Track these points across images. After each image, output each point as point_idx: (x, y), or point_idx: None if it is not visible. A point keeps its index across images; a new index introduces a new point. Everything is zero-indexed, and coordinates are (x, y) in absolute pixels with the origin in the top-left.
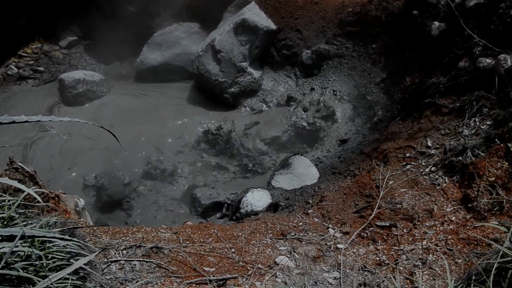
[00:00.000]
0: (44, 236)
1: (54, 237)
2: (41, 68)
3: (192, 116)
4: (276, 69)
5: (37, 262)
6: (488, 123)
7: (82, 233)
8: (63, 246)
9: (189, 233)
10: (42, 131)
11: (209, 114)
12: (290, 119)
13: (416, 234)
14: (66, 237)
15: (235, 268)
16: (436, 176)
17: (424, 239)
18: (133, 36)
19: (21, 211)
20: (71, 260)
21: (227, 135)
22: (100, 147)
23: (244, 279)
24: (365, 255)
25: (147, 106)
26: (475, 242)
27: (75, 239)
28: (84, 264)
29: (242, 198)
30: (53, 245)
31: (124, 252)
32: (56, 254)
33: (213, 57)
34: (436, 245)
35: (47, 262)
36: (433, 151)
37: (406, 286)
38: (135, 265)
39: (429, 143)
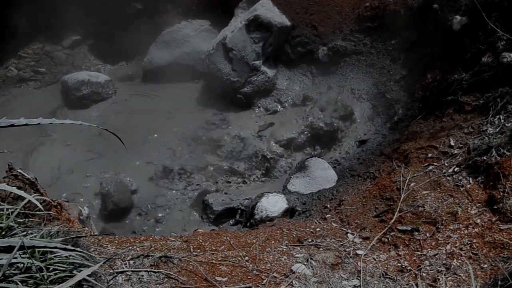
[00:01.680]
0: (45, 247)
1: (55, 247)
2: (43, 69)
3: (203, 117)
4: (291, 67)
5: (37, 274)
6: None
7: (86, 243)
8: (66, 256)
9: (200, 241)
10: (44, 136)
11: (221, 116)
12: (307, 120)
13: (440, 238)
14: (69, 247)
15: (249, 277)
16: (460, 177)
17: (448, 243)
18: (140, 35)
19: (21, 220)
20: (74, 272)
21: (240, 138)
22: (106, 152)
23: None
24: (386, 261)
25: (155, 108)
26: (502, 246)
27: (78, 249)
28: (88, 276)
29: (256, 204)
30: (55, 256)
31: (131, 262)
32: (58, 266)
33: (225, 55)
34: (461, 249)
35: (48, 274)
36: (456, 151)
37: None
38: (142, 276)
39: (452, 143)
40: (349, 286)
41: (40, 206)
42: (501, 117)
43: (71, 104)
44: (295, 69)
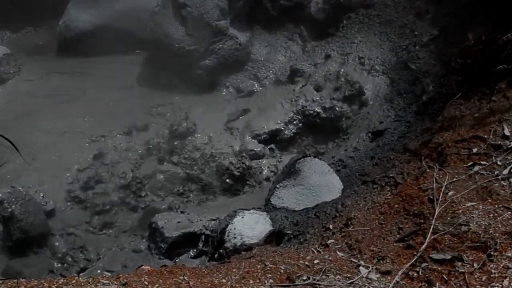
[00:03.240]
0: None
1: None
2: None
3: (146, 104)
4: (272, 29)
5: None
6: None
7: None
8: None
9: (146, 283)
10: None
11: (173, 101)
12: (296, 104)
13: (493, 270)
14: None
15: None
16: None
17: (505, 277)
18: None
19: None
20: None
21: (202, 132)
22: (8, 158)
23: None
24: None
25: (78, 92)
26: None
27: None
28: None
29: (227, 226)
30: None
31: None
32: None
33: (175, 14)
34: None
35: None
36: None
37: None
38: None
39: (507, 131)
40: None
41: None
42: None
43: None
44: (278, 32)
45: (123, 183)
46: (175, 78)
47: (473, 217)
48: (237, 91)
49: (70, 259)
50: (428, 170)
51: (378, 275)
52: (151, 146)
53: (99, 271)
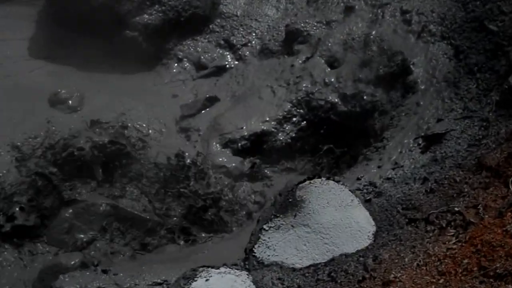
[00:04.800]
0: None
1: None
2: None
3: (46, 90)
4: None
5: None
6: None
7: None
8: None
9: None
10: None
11: (85, 84)
12: (297, 89)
13: None
14: None
15: None
16: None
17: None
18: None
19: None
20: None
21: (136, 135)
22: None
23: None
24: None
25: None
26: None
27: None
28: None
29: None
30: None
31: None
32: None
33: None
34: None
35: None
36: None
37: None
38: None
39: None
40: None
41: None
42: None
43: None
44: None
45: (9, 221)
46: (91, 46)
47: None
48: (196, 66)
49: None
50: None
51: None
52: (51, 158)
53: None
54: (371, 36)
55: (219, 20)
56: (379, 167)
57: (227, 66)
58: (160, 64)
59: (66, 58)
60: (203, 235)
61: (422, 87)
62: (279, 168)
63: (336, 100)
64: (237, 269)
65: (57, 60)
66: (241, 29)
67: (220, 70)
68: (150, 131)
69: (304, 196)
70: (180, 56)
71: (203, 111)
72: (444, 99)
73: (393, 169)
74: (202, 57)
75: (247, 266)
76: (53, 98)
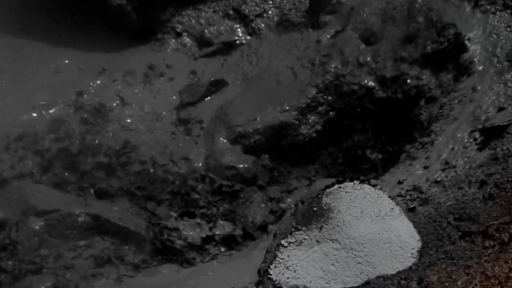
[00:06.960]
0: None
1: None
2: None
3: (45, 62)
4: None
5: None
6: None
7: None
8: None
9: None
10: None
11: (87, 56)
12: (324, 70)
13: None
14: None
15: None
16: None
17: None
18: None
19: None
20: None
21: (124, 125)
22: None
23: None
24: None
25: None
26: None
27: None
28: None
29: None
30: None
31: None
32: None
33: None
34: None
35: None
36: None
37: None
38: None
39: None
40: None
41: None
42: None
43: None
44: None
45: None
46: (87, 18)
47: None
48: (199, 43)
49: None
50: None
51: None
52: (34, 153)
53: None
54: (417, 4)
55: None
56: (425, 167)
57: (237, 42)
58: (153, 40)
59: (50, 35)
60: (204, 252)
61: (480, 68)
62: (299, 170)
63: (373, 84)
64: None
65: (57, 35)
66: None
67: (229, 47)
68: (146, 119)
69: (332, 204)
70: (178, 30)
71: (206, 98)
72: (506, 83)
73: (443, 170)
74: (206, 30)
75: None
76: None
